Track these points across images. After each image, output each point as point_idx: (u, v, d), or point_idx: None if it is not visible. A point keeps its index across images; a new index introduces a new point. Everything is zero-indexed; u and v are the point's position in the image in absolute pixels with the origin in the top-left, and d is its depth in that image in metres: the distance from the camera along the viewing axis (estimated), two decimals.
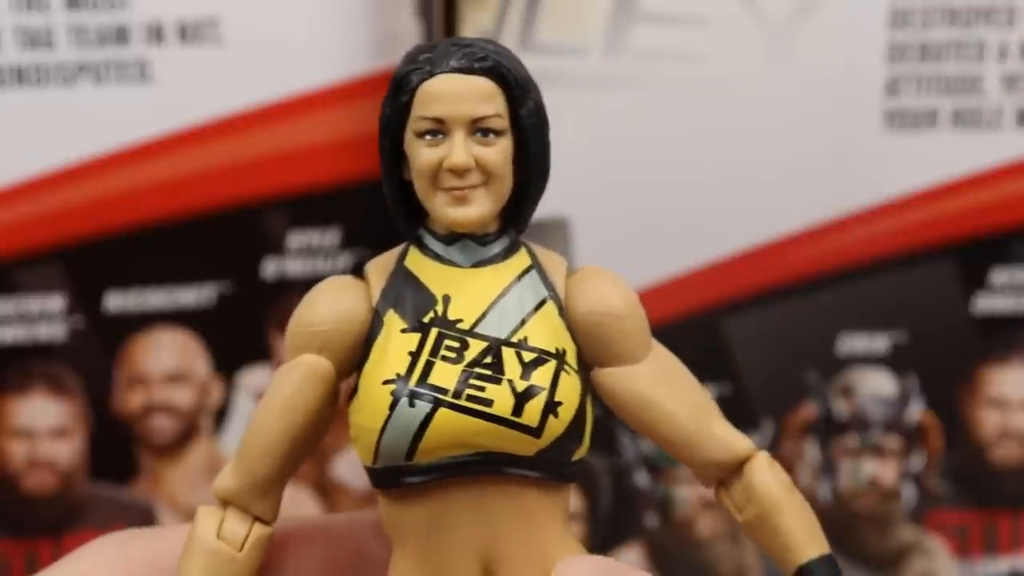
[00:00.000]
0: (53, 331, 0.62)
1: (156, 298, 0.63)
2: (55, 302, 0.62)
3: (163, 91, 0.60)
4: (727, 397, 0.65)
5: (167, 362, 0.64)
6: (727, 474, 0.34)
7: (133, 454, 0.64)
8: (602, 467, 0.66)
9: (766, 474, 0.34)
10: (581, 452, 0.33)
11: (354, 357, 0.33)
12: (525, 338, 0.32)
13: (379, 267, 0.34)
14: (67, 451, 0.63)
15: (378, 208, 0.66)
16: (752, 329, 0.65)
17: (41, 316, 0.62)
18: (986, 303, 0.66)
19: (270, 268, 0.64)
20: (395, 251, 0.34)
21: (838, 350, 0.66)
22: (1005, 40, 0.62)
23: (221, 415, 0.65)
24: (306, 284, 0.67)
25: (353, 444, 0.32)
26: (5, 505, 0.63)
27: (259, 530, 0.33)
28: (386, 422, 0.31)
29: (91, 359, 0.63)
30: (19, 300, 0.62)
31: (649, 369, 0.34)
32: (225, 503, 0.34)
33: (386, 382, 0.31)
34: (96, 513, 0.64)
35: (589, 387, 0.33)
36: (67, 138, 0.60)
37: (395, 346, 0.32)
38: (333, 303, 0.33)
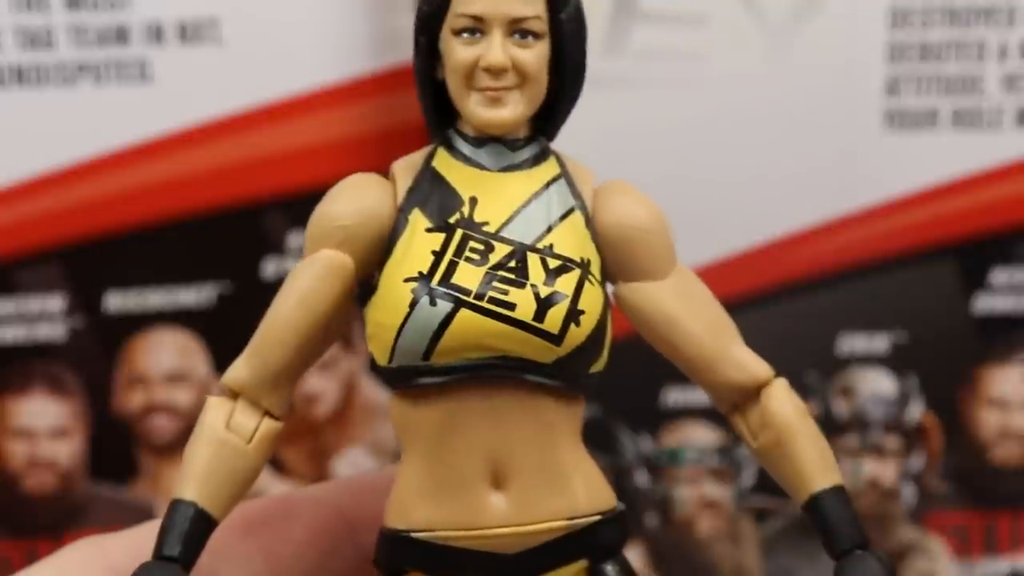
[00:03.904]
0: (53, 331, 0.62)
1: (156, 298, 0.63)
2: (55, 302, 0.62)
3: (163, 91, 0.60)
4: None
5: (167, 362, 0.64)
6: (744, 398, 0.34)
7: (133, 454, 0.64)
8: (602, 467, 0.66)
9: (783, 399, 0.33)
10: (599, 365, 0.32)
11: (375, 255, 0.32)
12: (551, 245, 0.32)
13: (406, 166, 0.33)
14: (67, 451, 0.63)
15: None
16: (751, 328, 0.65)
17: (41, 316, 0.62)
18: (986, 303, 0.66)
19: (270, 268, 0.64)
20: (422, 151, 0.34)
21: (838, 350, 0.66)
22: (1005, 40, 0.62)
23: None
24: None
25: (369, 343, 0.32)
26: (5, 505, 0.63)
27: (268, 424, 0.33)
28: (405, 320, 0.31)
29: (91, 359, 0.63)
30: (19, 300, 0.62)
31: (672, 286, 0.33)
32: (235, 395, 0.33)
33: (408, 280, 0.31)
34: (96, 513, 0.64)
35: (610, 301, 0.33)
36: (67, 138, 0.60)
37: (419, 245, 0.31)
38: (357, 198, 0.33)
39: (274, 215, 0.63)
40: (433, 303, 0.30)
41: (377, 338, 0.31)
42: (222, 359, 0.64)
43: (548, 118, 0.34)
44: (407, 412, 0.32)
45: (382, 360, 0.32)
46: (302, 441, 0.66)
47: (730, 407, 0.34)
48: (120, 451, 0.64)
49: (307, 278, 0.32)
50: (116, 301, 0.63)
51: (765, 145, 0.63)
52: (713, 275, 0.64)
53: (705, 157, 0.62)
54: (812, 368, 0.66)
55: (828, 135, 0.63)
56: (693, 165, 0.62)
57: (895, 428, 0.67)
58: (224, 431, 0.33)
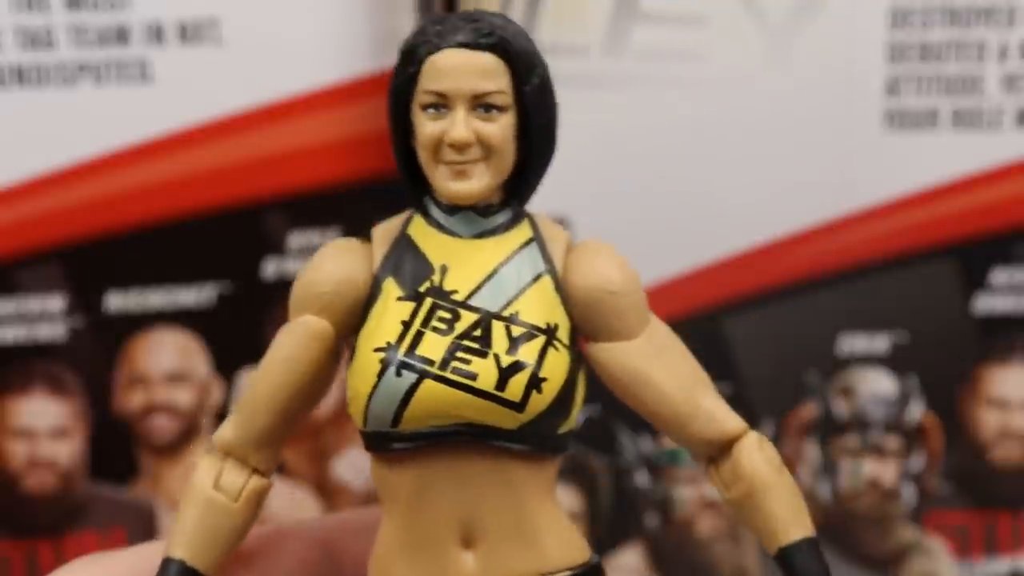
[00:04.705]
0: (53, 331, 0.62)
1: (156, 298, 0.63)
2: (55, 302, 0.62)
3: (163, 91, 0.61)
4: (727, 397, 0.64)
5: (167, 362, 0.64)
6: (717, 452, 0.34)
7: (133, 454, 0.64)
8: (602, 467, 0.66)
9: (754, 454, 0.34)
10: (567, 426, 0.33)
11: (354, 320, 0.33)
12: (516, 312, 0.32)
13: (384, 232, 0.34)
14: (67, 451, 0.63)
15: (378, 208, 0.66)
16: (752, 329, 0.65)
17: (41, 316, 0.62)
18: (986, 303, 0.66)
19: (270, 268, 0.64)
20: (401, 217, 0.35)
21: (838, 350, 0.66)
22: (1005, 40, 0.62)
23: (221, 415, 0.65)
24: None
25: (348, 405, 0.33)
26: (5, 505, 0.63)
27: (256, 482, 0.34)
28: (374, 389, 0.32)
29: (91, 359, 0.63)
30: (20, 300, 0.62)
31: (644, 345, 0.34)
32: (225, 454, 0.34)
33: (377, 349, 0.32)
34: (96, 513, 0.64)
35: (582, 361, 0.34)
36: (67, 138, 0.60)
37: (390, 314, 0.32)
38: (335, 267, 0.34)
39: (274, 215, 0.63)
40: (399, 374, 0.31)
41: (353, 403, 0.33)
42: (222, 359, 0.64)
43: (520, 183, 0.34)
44: (384, 474, 0.33)
45: (359, 424, 0.33)
46: (302, 442, 0.66)
47: (705, 460, 0.35)
48: (120, 451, 0.64)
49: (289, 345, 0.34)
50: (116, 301, 0.63)
51: (765, 145, 0.63)
52: (713, 275, 0.64)
53: (705, 157, 0.62)
54: (812, 368, 0.66)
55: (828, 135, 0.63)
56: (693, 165, 0.62)
57: (895, 428, 0.67)
58: (212, 490, 0.34)
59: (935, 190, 0.64)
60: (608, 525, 0.67)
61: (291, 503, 0.66)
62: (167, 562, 0.33)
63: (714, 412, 0.34)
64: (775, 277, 0.64)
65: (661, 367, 0.34)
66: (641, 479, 0.66)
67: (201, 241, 0.62)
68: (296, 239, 0.63)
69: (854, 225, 0.64)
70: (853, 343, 0.66)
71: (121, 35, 0.60)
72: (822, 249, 0.64)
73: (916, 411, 0.67)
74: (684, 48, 0.61)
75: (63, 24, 0.59)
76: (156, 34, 0.60)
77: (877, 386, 0.66)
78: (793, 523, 0.33)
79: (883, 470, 0.67)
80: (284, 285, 0.64)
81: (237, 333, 0.64)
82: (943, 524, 0.68)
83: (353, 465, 0.66)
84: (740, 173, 0.63)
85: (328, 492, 0.66)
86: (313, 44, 0.61)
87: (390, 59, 0.62)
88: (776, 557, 0.33)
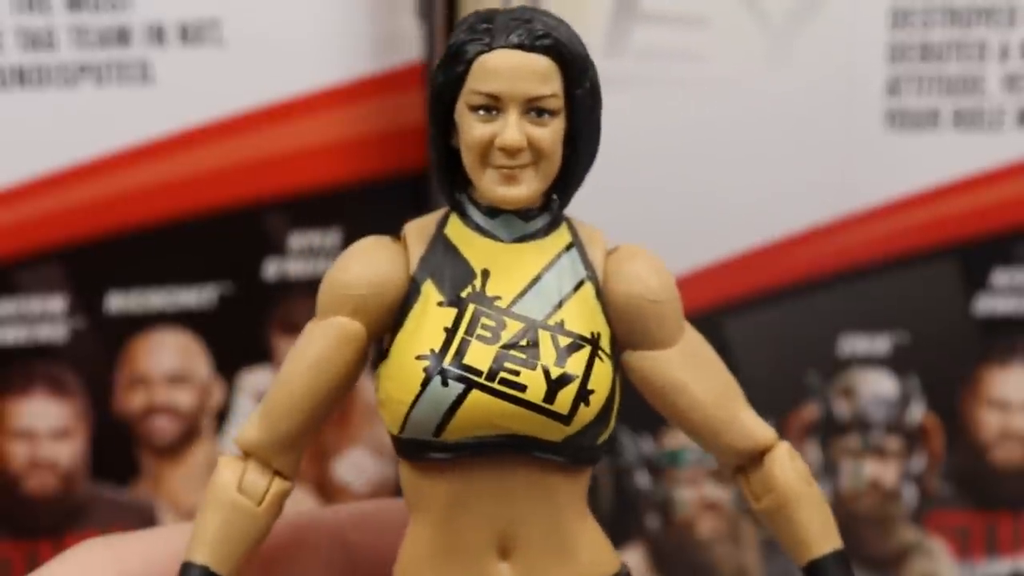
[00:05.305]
0: (54, 332, 0.62)
1: (157, 299, 0.63)
2: (56, 303, 0.62)
3: (164, 92, 0.61)
4: None
5: (168, 363, 0.64)
6: (747, 461, 0.34)
7: (134, 455, 0.64)
8: (603, 468, 0.66)
9: (786, 465, 0.34)
10: (606, 435, 0.33)
11: (387, 321, 0.33)
12: (562, 321, 0.32)
13: (418, 231, 0.33)
14: (68, 452, 0.63)
15: (378, 208, 0.66)
16: (752, 329, 0.65)
17: (42, 317, 0.62)
18: (987, 304, 0.66)
19: (271, 269, 0.64)
20: (434, 216, 0.34)
21: (839, 351, 0.66)
22: (1006, 40, 0.62)
23: (222, 416, 0.65)
24: (307, 285, 0.67)
25: (380, 408, 0.32)
26: (6, 506, 0.63)
27: (279, 485, 0.33)
28: (417, 398, 0.31)
29: (92, 360, 0.63)
30: (20, 301, 0.62)
31: (680, 354, 0.34)
32: (247, 454, 0.34)
33: (419, 357, 0.31)
34: (97, 514, 0.64)
35: (619, 368, 0.33)
36: (68, 139, 0.60)
37: (431, 319, 0.32)
38: (368, 267, 0.33)
39: (275, 216, 0.63)
40: (445, 383, 0.31)
41: (389, 409, 0.32)
42: (223, 360, 0.64)
43: (561, 186, 0.34)
44: (417, 482, 0.32)
45: (393, 430, 0.32)
46: None
47: (734, 469, 0.35)
48: (121, 452, 0.64)
49: (320, 346, 0.33)
50: (117, 302, 0.63)
51: (766, 145, 0.63)
52: (714, 276, 0.64)
53: (706, 157, 0.62)
54: (813, 369, 0.66)
55: (829, 135, 0.63)
56: (694, 165, 0.62)
57: (896, 429, 0.67)
58: (235, 493, 0.33)
59: (936, 190, 0.64)
60: (608, 526, 0.66)
61: (290, 503, 0.65)
62: (188, 567, 0.32)
63: (747, 423, 0.34)
64: (776, 278, 0.64)
65: (697, 377, 0.34)
66: (642, 480, 0.66)
67: (202, 242, 0.62)
68: (297, 240, 0.63)
69: (855, 226, 0.64)
70: (854, 344, 0.66)
71: (122, 36, 0.60)
72: (822, 249, 0.64)
73: (917, 412, 0.67)
74: (685, 49, 0.61)
75: (64, 25, 0.59)
76: (157, 35, 0.60)
77: (878, 387, 0.66)
78: (824, 535, 0.34)
79: (884, 471, 0.67)
80: (285, 286, 0.64)
81: (238, 334, 0.64)
82: (944, 525, 0.68)
83: (354, 466, 0.66)
84: (741, 173, 0.63)
85: (329, 493, 0.66)
86: (314, 45, 0.61)
87: (390, 59, 0.62)
88: (806, 569, 0.34)
